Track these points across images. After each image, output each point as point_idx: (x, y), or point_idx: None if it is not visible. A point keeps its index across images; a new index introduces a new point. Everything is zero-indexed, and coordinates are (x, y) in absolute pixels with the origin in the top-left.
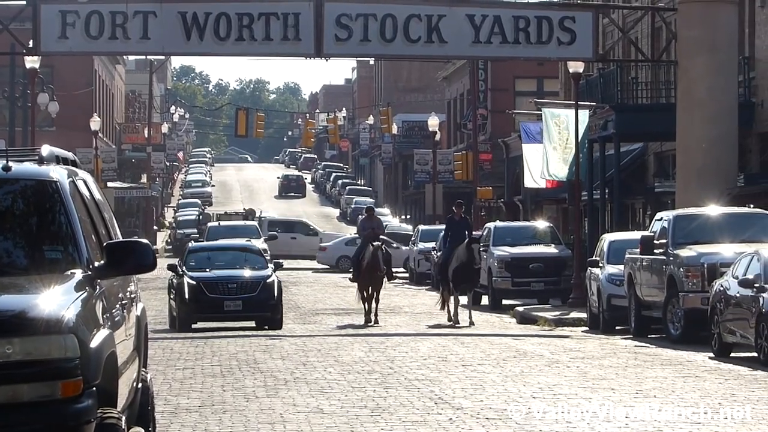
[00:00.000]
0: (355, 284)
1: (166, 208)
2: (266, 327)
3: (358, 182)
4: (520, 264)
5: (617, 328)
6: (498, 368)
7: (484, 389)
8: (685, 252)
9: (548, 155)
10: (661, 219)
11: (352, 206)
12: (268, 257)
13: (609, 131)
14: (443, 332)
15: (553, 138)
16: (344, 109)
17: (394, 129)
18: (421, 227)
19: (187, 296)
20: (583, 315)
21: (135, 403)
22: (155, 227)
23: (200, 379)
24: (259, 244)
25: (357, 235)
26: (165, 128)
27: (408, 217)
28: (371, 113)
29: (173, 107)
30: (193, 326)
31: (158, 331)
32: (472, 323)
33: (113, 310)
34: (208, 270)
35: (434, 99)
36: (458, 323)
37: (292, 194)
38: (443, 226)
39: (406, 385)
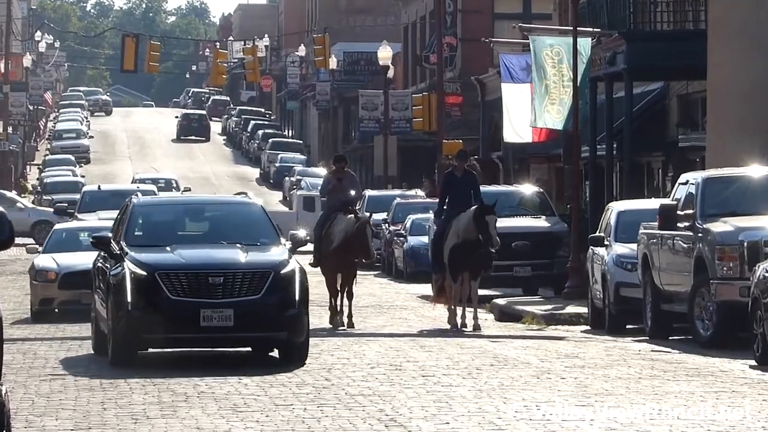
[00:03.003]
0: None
1: (28, 167)
2: (280, 356)
3: (285, 133)
4: (500, 242)
5: (628, 327)
6: (469, 380)
7: (450, 408)
8: (719, 226)
9: (537, 98)
10: (686, 182)
11: (277, 165)
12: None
13: (618, 66)
14: (396, 332)
15: (544, 75)
16: (266, 36)
17: (333, 63)
18: (369, 193)
19: (130, 298)
20: (583, 310)
21: None
22: (14, 192)
23: (73, 393)
24: None
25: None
26: (27, 61)
27: None
28: (302, 42)
29: (39, 33)
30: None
31: (76, 359)
32: (477, 327)
33: None
34: (169, 249)
35: (386, 24)
36: (465, 327)
37: (194, 137)
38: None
39: (346, 402)
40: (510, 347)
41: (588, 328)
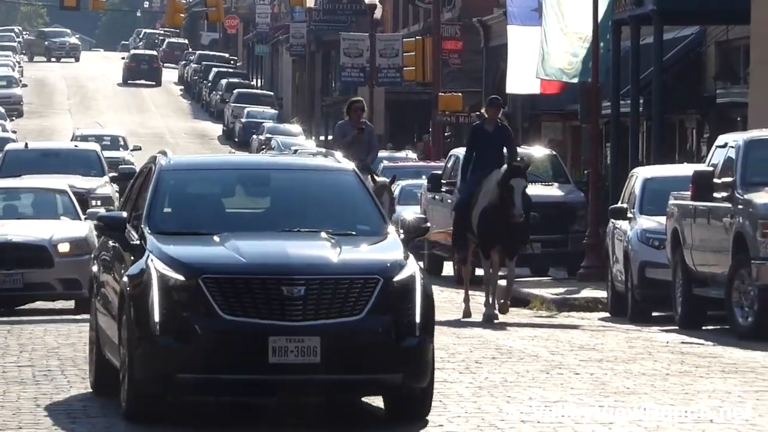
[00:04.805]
0: None
1: None
2: (387, 409)
3: (253, 83)
4: (523, 213)
5: (654, 314)
6: (467, 375)
7: (444, 408)
8: (763, 197)
9: (548, 44)
10: (725, 145)
11: (243, 120)
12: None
13: (646, 7)
14: None
15: (558, 16)
16: None
17: (310, 1)
18: None
19: (158, 317)
20: (602, 294)
21: None
22: None
23: (0, 388)
24: (102, 187)
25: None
26: None
27: (329, 138)
28: None
29: None
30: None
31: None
32: (503, 310)
33: None
34: (217, 239)
35: None
36: (497, 317)
37: (143, 81)
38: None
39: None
40: (515, 337)
41: (607, 315)
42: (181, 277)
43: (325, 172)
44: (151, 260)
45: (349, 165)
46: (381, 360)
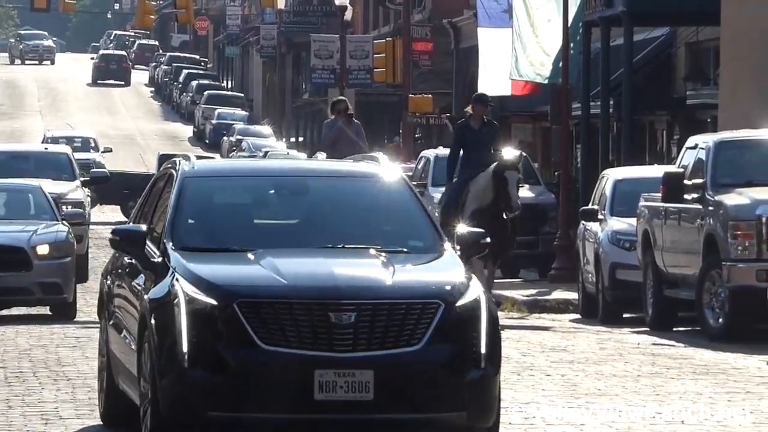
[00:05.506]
0: None
1: None
2: None
3: (223, 85)
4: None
5: (625, 316)
6: None
7: None
8: (733, 198)
9: (518, 45)
10: (695, 147)
11: (214, 122)
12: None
13: (616, 8)
14: None
15: (528, 17)
16: None
17: (281, 1)
18: (320, 157)
19: (186, 347)
20: (573, 295)
21: None
22: None
23: None
24: (73, 191)
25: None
26: None
27: (300, 140)
28: None
29: None
30: None
31: None
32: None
33: None
34: (252, 256)
35: None
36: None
37: (112, 81)
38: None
39: None
40: None
41: (578, 316)
42: (213, 301)
43: (370, 180)
44: (177, 281)
45: (398, 171)
46: (443, 396)
